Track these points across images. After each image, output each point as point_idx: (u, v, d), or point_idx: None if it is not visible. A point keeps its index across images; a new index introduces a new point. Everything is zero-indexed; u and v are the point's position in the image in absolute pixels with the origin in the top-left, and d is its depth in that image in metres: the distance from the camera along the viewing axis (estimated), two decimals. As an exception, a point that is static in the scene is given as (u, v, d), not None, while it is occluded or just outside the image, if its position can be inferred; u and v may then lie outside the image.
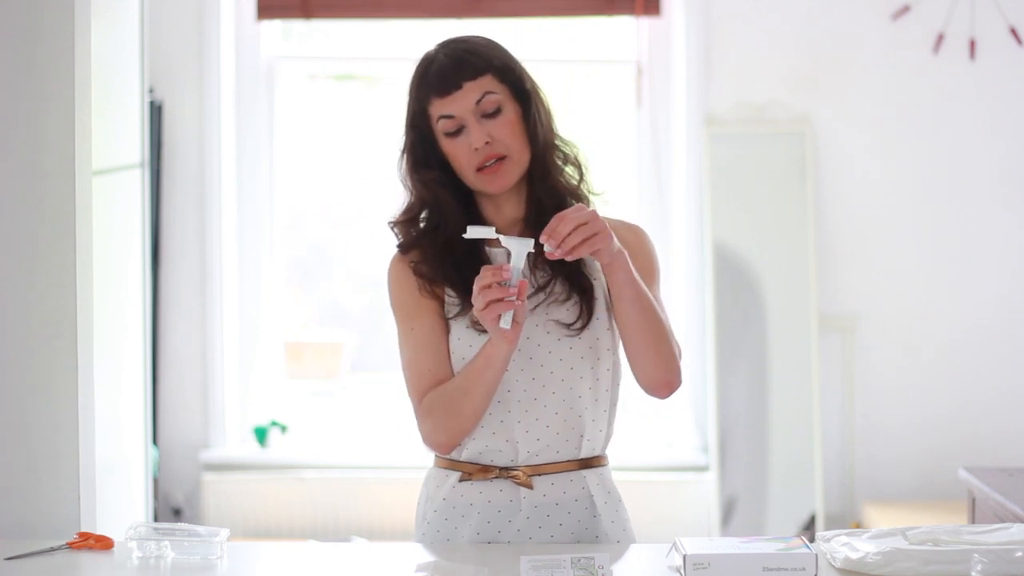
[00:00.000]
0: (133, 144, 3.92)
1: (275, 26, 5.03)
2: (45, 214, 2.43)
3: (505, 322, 2.11)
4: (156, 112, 4.75)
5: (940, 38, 4.69)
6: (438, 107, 2.24)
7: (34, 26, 2.41)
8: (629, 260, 2.18)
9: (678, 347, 2.28)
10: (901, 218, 4.76)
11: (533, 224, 2.27)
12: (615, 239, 2.14)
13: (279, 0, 4.90)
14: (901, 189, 4.76)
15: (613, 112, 4.93)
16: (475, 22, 4.80)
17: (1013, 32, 4.68)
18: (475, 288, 2.12)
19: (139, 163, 3.93)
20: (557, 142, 2.31)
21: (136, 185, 3.93)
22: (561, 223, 2.10)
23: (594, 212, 2.12)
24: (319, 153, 5.15)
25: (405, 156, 2.30)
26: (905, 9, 4.70)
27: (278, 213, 5.04)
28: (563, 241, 2.09)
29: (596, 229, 2.10)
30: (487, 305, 2.10)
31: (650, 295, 2.22)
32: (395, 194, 2.35)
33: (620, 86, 4.95)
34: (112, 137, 3.80)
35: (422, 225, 2.32)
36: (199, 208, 4.86)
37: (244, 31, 4.95)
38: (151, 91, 4.58)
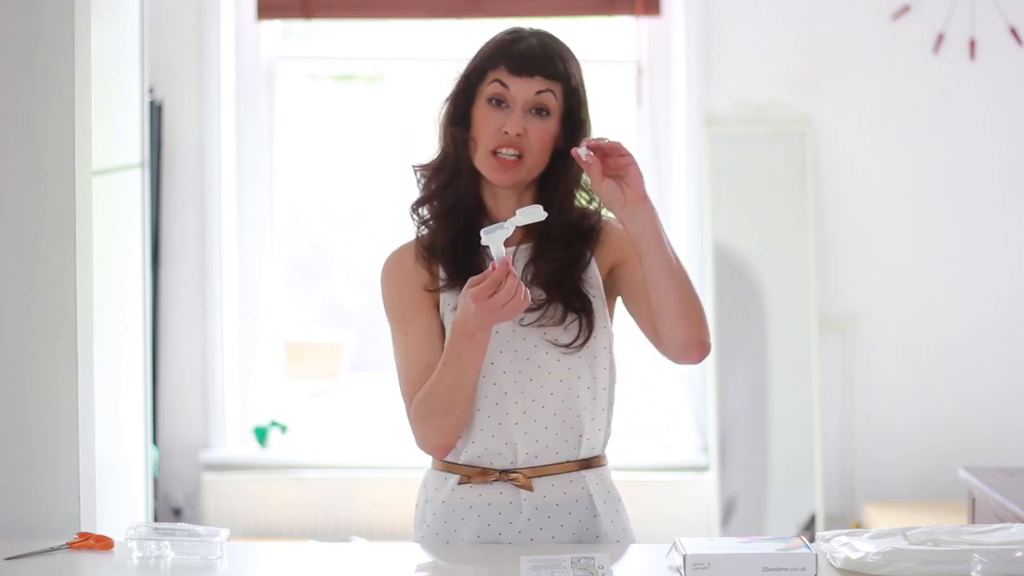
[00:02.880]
0: (133, 144, 3.92)
1: (275, 26, 5.03)
2: (45, 214, 2.43)
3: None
4: (156, 112, 4.75)
5: (940, 38, 4.69)
6: (501, 75, 2.23)
7: (34, 26, 2.41)
8: (655, 213, 2.18)
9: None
10: (901, 218, 4.76)
11: (541, 245, 2.27)
12: (645, 191, 2.17)
13: (279, 0, 4.90)
14: (901, 189, 4.76)
15: (613, 112, 4.93)
16: (475, 22, 4.80)
17: (1013, 32, 4.68)
18: (481, 304, 2.10)
19: (139, 163, 3.93)
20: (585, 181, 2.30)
21: (136, 185, 3.93)
22: (617, 147, 2.14)
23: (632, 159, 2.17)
24: (319, 153, 5.15)
25: (448, 105, 2.29)
26: (905, 9, 4.70)
27: (278, 213, 5.04)
28: (606, 156, 2.15)
29: (634, 168, 2.16)
30: (504, 307, 2.10)
31: (673, 251, 2.20)
32: (408, 181, 2.35)
33: (620, 86, 4.95)
34: (112, 137, 3.80)
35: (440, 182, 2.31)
36: (199, 208, 4.86)
37: (244, 31, 4.94)
38: (151, 91, 4.58)
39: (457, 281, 2.24)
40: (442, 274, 2.27)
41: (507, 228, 2.13)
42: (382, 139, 5.11)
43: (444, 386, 2.20)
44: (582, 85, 2.29)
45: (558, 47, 2.28)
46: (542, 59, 2.24)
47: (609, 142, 2.16)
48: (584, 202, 2.31)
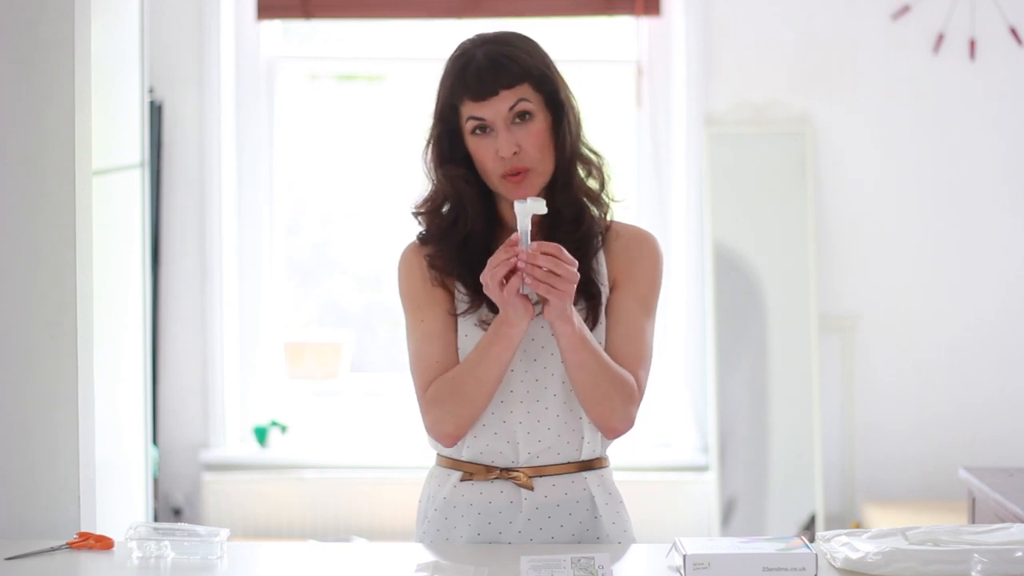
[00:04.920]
0: (133, 144, 3.92)
1: (275, 26, 5.03)
2: (45, 214, 2.43)
3: (523, 289, 2.13)
4: (156, 112, 4.75)
5: (940, 38, 4.69)
6: (470, 108, 2.22)
7: (34, 26, 2.41)
8: (579, 329, 2.17)
9: (638, 391, 2.25)
10: (901, 218, 4.76)
11: (548, 230, 2.26)
12: (568, 309, 2.14)
13: (279, 0, 4.90)
14: (901, 189, 4.76)
15: (613, 112, 4.93)
16: (475, 22, 4.80)
17: (1013, 32, 4.68)
18: (487, 270, 2.13)
19: (139, 163, 3.93)
20: (584, 151, 2.29)
21: (136, 185, 3.93)
22: (548, 258, 2.10)
23: (573, 282, 2.11)
24: (319, 153, 5.15)
25: (431, 147, 2.29)
26: (905, 9, 4.70)
27: (278, 213, 5.04)
28: (535, 266, 2.10)
29: (562, 291, 2.10)
30: (500, 281, 2.12)
31: (597, 351, 2.19)
32: (417, 183, 2.33)
33: (620, 86, 4.95)
34: (112, 137, 3.80)
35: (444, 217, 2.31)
36: (199, 208, 4.86)
37: (244, 31, 4.95)
38: (151, 91, 4.58)
39: (479, 302, 2.24)
40: (461, 297, 2.27)
41: (541, 202, 2.15)
42: (382, 139, 5.11)
43: (468, 376, 2.20)
44: (549, 68, 2.26)
45: (507, 50, 2.24)
46: (495, 74, 2.21)
47: (552, 249, 2.11)
48: (584, 174, 2.29)
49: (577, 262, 2.14)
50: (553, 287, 2.11)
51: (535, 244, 2.12)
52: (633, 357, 2.25)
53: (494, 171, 2.23)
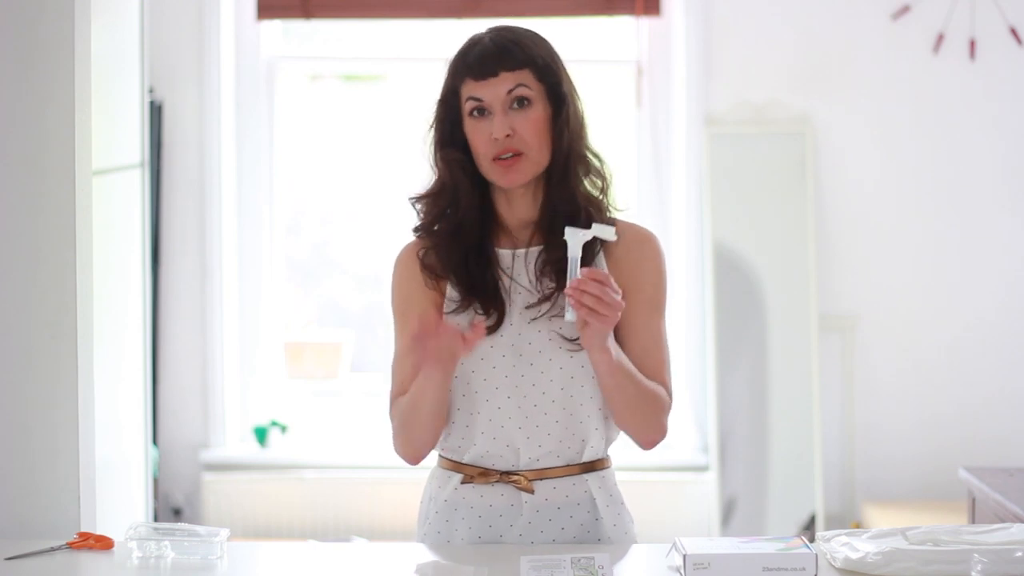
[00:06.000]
0: (133, 144, 3.92)
1: (275, 26, 5.03)
2: (45, 214, 2.43)
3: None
4: (156, 112, 4.75)
5: (940, 38, 4.69)
6: (470, 88, 2.22)
7: (34, 26, 2.41)
8: (617, 357, 2.16)
9: (668, 399, 2.26)
10: (901, 218, 4.76)
11: (546, 228, 2.25)
12: (608, 339, 2.13)
13: (279, 0, 4.90)
14: (901, 189, 4.76)
15: (613, 112, 4.93)
16: (475, 22, 4.80)
17: (1013, 32, 4.68)
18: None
19: (139, 163, 3.93)
20: (585, 152, 2.28)
21: (136, 185, 3.93)
22: (596, 285, 2.08)
23: (618, 311, 2.10)
24: (319, 153, 5.15)
25: (432, 131, 2.29)
26: (905, 9, 4.70)
27: (278, 213, 5.04)
28: (582, 294, 2.08)
29: (606, 317, 2.09)
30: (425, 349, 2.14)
31: (632, 373, 2.19)
32: (417, 182, 2.32)
33: (620, 86, 4.95)
34: (112, 137, 3.80)
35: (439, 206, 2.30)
36: (199, 208, 4.86)
37: (244, 31, 4.95)
38: (151, 91, 4.58)
39: (469, 300, 2.23)
40: (452, 295, 2.26)
41: (589, 233, 2.15)
42: (382, 139, 5.11)
43: (408, 403, 2.26)
44: (554, 60, 2.26)
45: (513, 36, 2.26)
46: (498, 56, 2.22)
47: (600, 277, 2.10)
48: (583, 175, 2.28)
49: (621, 291, 2.12)
50: (598, 313, 2.09)
51: (586, 270, 2.10)
52: (657, 365, 2.25)
53: (486, 155, 2.22)
